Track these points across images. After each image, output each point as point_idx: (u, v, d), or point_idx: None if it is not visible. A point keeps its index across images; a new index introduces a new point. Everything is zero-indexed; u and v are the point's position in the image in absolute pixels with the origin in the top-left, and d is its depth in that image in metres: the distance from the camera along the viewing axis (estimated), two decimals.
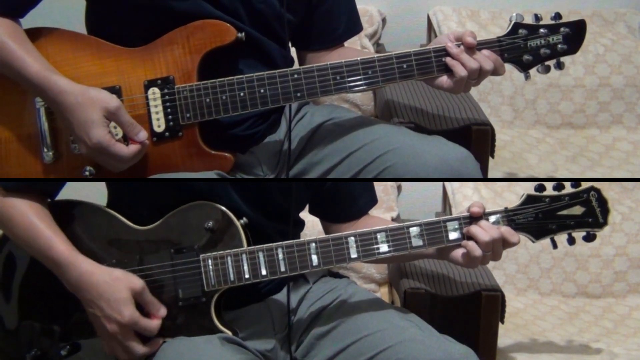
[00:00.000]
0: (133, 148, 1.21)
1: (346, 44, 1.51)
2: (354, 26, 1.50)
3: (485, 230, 1.18)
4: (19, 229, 1.18)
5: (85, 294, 1.15)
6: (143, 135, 1.22)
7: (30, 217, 1.18)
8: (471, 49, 1.27)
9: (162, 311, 1.18)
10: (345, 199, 1.38)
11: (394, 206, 2.03)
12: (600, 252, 1.99)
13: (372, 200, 1.41)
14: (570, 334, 1.81)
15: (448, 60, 1.27)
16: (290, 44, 1.45)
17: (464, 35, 1.27)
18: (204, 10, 1.27)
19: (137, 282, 1.16)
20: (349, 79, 1.28)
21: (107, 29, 1.29)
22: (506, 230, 1.19)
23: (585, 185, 1.23)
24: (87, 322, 1.21)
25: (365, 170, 1.32)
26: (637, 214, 2.04)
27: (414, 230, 1.21)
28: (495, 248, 1.19)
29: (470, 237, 1.20)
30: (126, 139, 1.22)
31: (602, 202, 1.22)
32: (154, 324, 1.16)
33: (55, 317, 1.23)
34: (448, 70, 1.28)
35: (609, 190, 1.24)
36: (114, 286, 1.14)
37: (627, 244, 2.00)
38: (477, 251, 1.19)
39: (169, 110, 1.27)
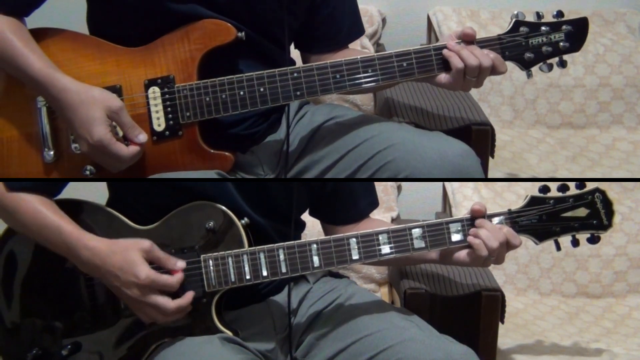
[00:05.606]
0: (132, 149, 1.22)
1: None
2: (356, 29, 1.49)
3: (491, 233, 1.18)
4: (26, 218, 1.19)
5: (100, 269, 1.15)
6: (143, 137, 1.23)
7: (36, 205, 1.19)
8: (470, 42, 1.26)
9: (180, 264, 1.17)
10: (346, 200, 1.37)
11: (393, 206, 2.03)
12: (600, 252, 1.99)
13: (373, 203, 1.41)
14: (570, 334, 1.81)
15: (445, 52, 1.26)
16: (293, 46, 1.45)
17: (464, 29, 1.26)
18: (202, 13, 1.27)
19: (145, 242, 1.16)
20: (349, 77, 1.27)
21: (108, 29, 1.29)
22: (508, 232, 1.19)
23: (590, 186, 1.22)
24: (88, 321, 1.22)
25: (365, 166, 1.32)
26: (637, 214, 2.04)
27: (416, 231, 1.20)
28: (500, 251, 1.19)
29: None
30: (126, 139, 1.22)
31: (607, 203, 1.21)
32: (173, 278, 1.15)
33: (57, 316, 1.23)
34: (449, 69, 1.28)
35: (609, 190, 1.23)
36: (124, 253, 1.14)
37: (627, 244, 2.00)
38: (483, 250, 1.18)
39: (169, 109, 1.26)
